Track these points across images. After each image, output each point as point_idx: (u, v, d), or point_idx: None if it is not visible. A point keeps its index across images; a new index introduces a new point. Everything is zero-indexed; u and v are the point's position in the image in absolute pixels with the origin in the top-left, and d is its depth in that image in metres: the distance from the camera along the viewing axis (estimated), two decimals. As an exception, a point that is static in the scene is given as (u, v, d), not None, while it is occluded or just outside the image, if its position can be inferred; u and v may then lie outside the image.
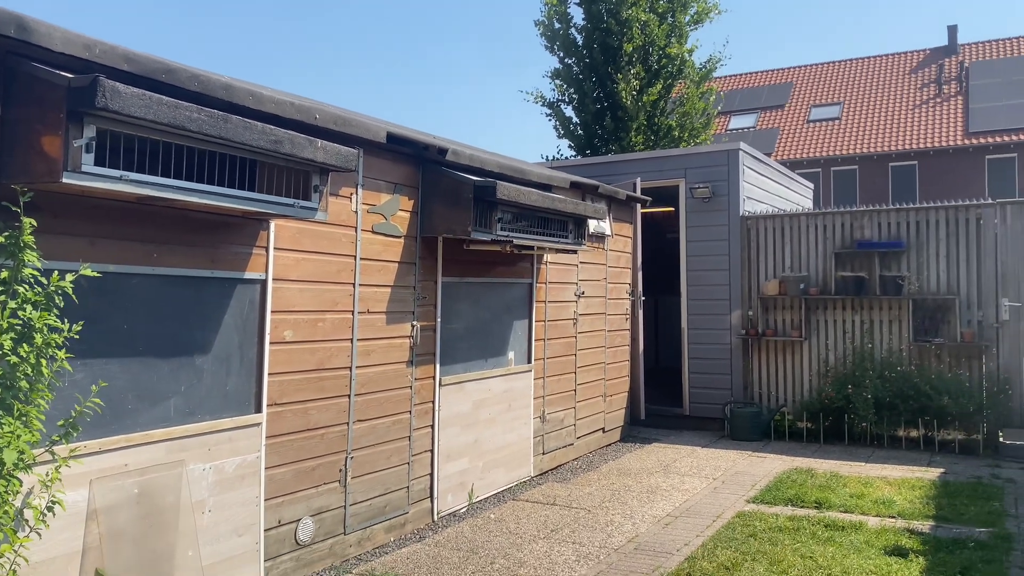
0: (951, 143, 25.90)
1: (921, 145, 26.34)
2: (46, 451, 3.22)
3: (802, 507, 6.47)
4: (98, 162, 3.21)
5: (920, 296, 9.04)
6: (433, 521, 6.09)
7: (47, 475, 3.19)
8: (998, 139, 25.26)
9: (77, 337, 3.31)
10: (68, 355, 3.16)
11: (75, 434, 3.22)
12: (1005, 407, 8.58)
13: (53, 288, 3.07)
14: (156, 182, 3.43)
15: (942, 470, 7.77)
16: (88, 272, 3.24)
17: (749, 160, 10.54)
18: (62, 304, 3.13)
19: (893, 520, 6.08)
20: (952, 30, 29.92)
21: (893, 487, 7.02)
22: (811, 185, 14.23)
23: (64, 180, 3.09)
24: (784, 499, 6.66)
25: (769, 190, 11.34)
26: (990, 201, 8.93)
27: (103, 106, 3.05)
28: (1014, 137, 25.05)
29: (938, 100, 27.89)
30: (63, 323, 3.11)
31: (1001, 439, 8.51)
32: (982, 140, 25.51)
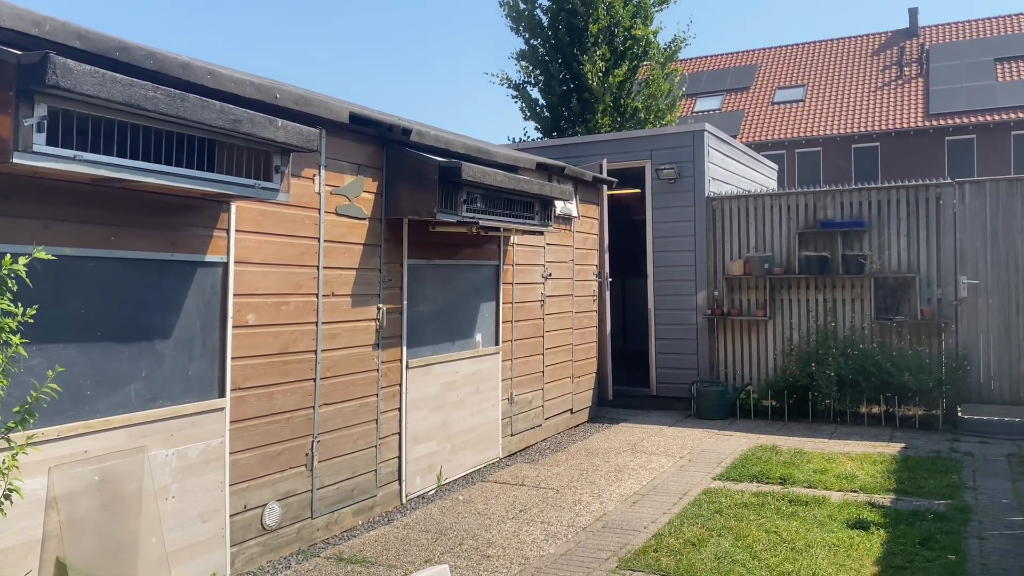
0: (912, 125, 26.28)
1: (883, 127, 26.70)
2: (2, 438, 3.14)
3: (767, 483, 6.57)
4: (50, 142, 3.13)
5: (881, 274, 9.19)
6: (402, 504, 6.09)
7: (3, 463, 3.12)
8: (958, 121, 25.68)
9: (32, 322, 3.22)
10: (23, 340, 3.09)
11: (32, 420, 3.14)
12: (963, 383, 8.78)
13: (6, 271, 2.99)
14: (111, 162, 3.35)
15: (903, 445, 7.93)
16: (42, 255, 3.15)
17: (715, 141, 10.60)
18: (16, 288, 3.05)
19: (855, 494, 6.19)
20: (913, 12, 30.31)
21: (855, 462, 7.15)
22: (775, 166, 14.36)
23: (14, 160, 3.01)
24: (749, 476, 6.75)
25: (734, 171, 11.42)
26: (949, 181, 9.08)
27: (54, 84, 2.97)
28: (973, 119, 25.49)
29: (899, 82, 28.26)
30: (17, 307, 3.04)
31: (960, 414, 8.71)
32: (942, 122, 25.92)
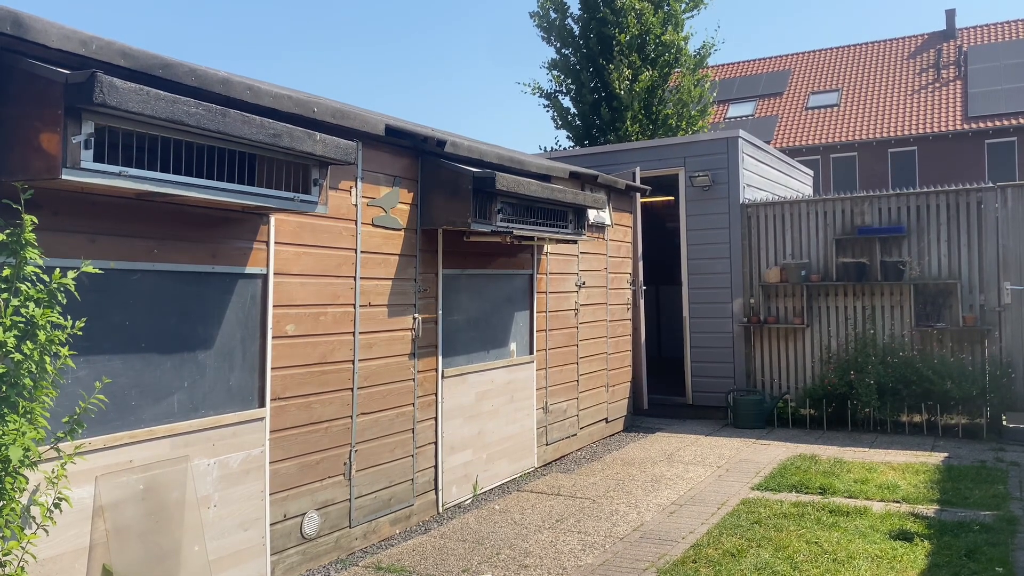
0: (950, 128, 25.84)
1: (920, 130, 26.28)
2: (51, 448, 3.22)
3: (806, 493, 6.48)
4: (97, 158, 3.20)
5: (921, 281, 9.03)
6: (438, 513, 6.11)
7: (53, 472, 3.20)
8: (997, 123, 25.20)
9: (80, 334, 3.31)
10: (71, 352, 3.17)
11: (80, 431, 3.22)
12: (1008, 391, 8.59)
13: (55, 285, 3.07)
14: (155, 177, 3.42)
15: (946, 454, 7.78)
16: (90, 269, 3.24)
17: (749, 148, 10.52)
18: (64, 301, 3.13)
19: (898, 505, 6.09)
20: (950, 14, 29.83)
21: (897, 472, 7.03)
22: (811, 172, 14.21)
23: (63, 177, 3.08)
24: (788, 486, 6.67)
25: (769, 177, 11.32)
26: (990, 185, 8.91)
27: (101, 102, 3.04)
28: (1013, 121, 24.99)
29: (937, 85, 27.82)
30: (66, 320, 3.11)
31: (1004, 423, 8.52)
32: (981, 124, 25.45)
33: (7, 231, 3.00)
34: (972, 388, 8.50)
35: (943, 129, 25.92)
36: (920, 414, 8.92)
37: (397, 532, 5.67)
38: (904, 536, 5.29)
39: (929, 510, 5.91)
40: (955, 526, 5.48)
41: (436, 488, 6.11)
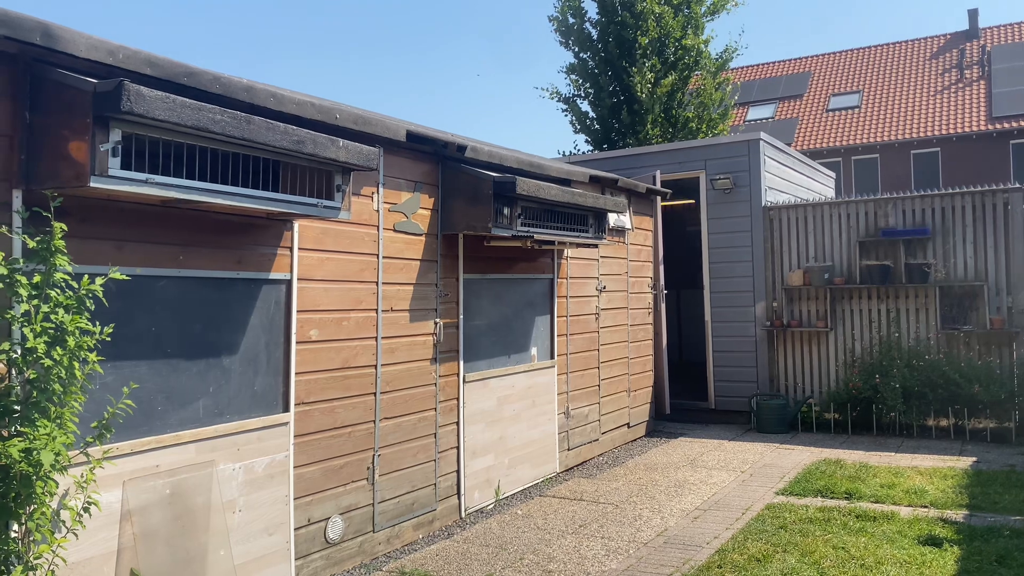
0: (974, 128, 25.54)
1: (943, 131, 25.99)
2: (80, 453, 3.25)
3: (832, 498, 6.41)
4: (124, 166, 3.24)
5: (947, 283, 8.93)
6: (461, 518, 6.10)
7: (82, 476, 3.23)
8: (1022, 123, 24.87)
9: (108, 340, 3.34)
10: (99, 358, 3.20)
11: (108, 436, 3.25)
12: (1037, 394, 8.46)
13: (84, 292, 3.10)
14: (181, 184, 3.46)
15: (974, 459, 7.67)
16: (117, 275, 3.27)
17: (770, 150, 10.46)
18: (93, 307, 3.17)
19: (925, 510, 6.01)
20: (972, 14, 29.51)
21: (924, 477, 6.94)
22: (832, 174, 14.09)
23: (92, 184, 3.12)
24: (814, 490, 6.61)
25: (791, 180, 11.24)
26: (1017, 185, 8.80)
27: (128, 110, 3.08)
28: (1039, 121, 24.64)
29: (960, 85, 27.51)
30: (94, 326, 3.15)
31: (1033, 426, 8.40)
32: (1006, 125, 25.13)
33: (37, 238, 3.04)
34: (1000, 391, 8.38)
35: (967, 130, 25.62)
36: (947, 418, 8.81)
37: (420, 537, 5.67)
38: (933, 541, 5.22)
39: (958, 515, 5.83)
40: (985, 531, 5.40)
41: (458, 493, 6.11)
